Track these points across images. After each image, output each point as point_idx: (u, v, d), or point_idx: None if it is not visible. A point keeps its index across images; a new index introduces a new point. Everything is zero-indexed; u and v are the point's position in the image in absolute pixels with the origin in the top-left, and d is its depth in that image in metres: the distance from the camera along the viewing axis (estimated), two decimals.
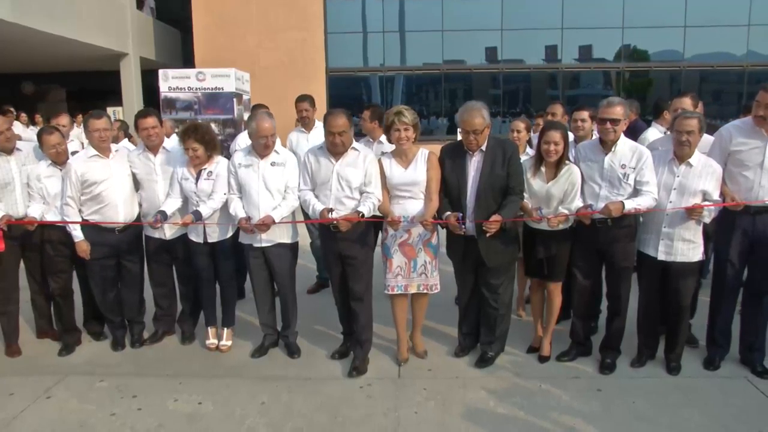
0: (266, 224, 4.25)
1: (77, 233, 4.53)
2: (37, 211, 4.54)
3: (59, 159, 4.62)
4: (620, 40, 16.41)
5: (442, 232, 4.36)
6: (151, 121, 4.61)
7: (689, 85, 16.22)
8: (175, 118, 10.19)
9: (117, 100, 15.66)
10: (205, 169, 4.51)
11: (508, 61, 16.64)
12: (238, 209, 4.39)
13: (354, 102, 16.91)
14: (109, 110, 13.99)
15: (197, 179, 4.49)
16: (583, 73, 17.32)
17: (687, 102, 4.69)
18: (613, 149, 4.08)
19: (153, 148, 4.67)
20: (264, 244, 4.44)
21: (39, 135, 4.69)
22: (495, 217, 3.98)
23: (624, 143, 4.10)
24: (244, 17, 15.43)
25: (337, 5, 16.16)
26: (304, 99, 5.99)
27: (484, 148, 4.12)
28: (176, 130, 5.73)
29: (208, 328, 4.85)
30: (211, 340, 4.80)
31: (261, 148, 4.33)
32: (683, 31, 15.97)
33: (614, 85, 16.91)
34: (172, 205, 4.55)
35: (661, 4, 15.84)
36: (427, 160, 4.23)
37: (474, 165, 4.15)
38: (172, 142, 4.96)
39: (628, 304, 4.33)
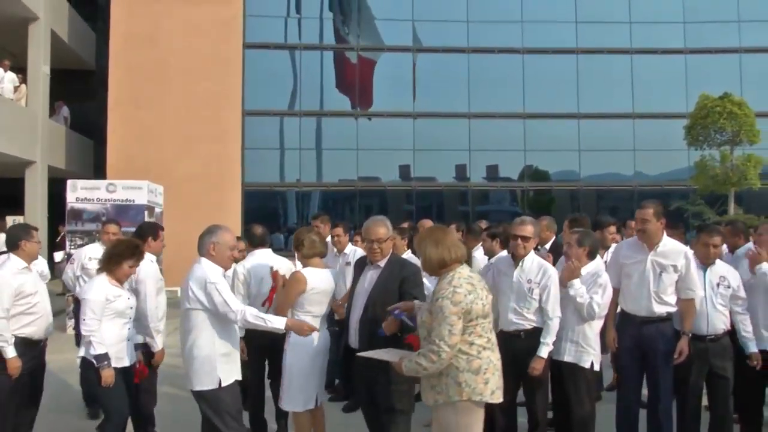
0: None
1: (11, 350, 4.12)
2: None
3: None
4: (523, 161, 17.65)
5: None
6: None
7: (587, 203, 17.49)
8: (82, 230, 9.86)
9: (19, 207, 14.92)
10: (131, 280, 4.36)
11: (421, 178, 17.42)
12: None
13: (270, 216, 16.97)
14: (9, 219, 13.27)
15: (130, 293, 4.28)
16: (491, 191, 18.34)
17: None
18: (520, 264, 4.24)
19: None
20: None
21: None
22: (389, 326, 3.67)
23: (532, 260, 4.26)
24: (161, 129, 15.41)
25: (255, 121, 16.57)
26: (338, 225, 6.08)
27: (382, 264, 3.98)
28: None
29: None
30: None
31: (228, 261, 3.96)
32: (578, 154, 17.41)
33: (519, 203, 17.96)
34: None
35: (557, 128, 17.31)
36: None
37: (368, 279, 4.01)
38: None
39: (546, 417, 4.32)
